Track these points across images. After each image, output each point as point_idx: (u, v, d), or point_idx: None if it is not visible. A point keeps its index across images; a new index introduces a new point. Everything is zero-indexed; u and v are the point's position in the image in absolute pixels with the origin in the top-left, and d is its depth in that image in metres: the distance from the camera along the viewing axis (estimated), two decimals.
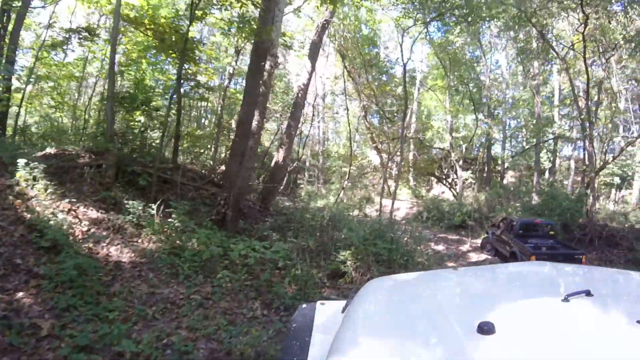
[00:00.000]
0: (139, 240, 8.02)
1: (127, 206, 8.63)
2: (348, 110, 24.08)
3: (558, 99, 26.89)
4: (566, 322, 1.54)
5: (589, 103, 16.77)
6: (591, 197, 16.33)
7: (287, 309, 6.00)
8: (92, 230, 8.16)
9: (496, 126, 29.14)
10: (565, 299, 1.64)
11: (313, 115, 19.98)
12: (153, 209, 8.85)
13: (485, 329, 1.37)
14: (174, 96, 12.13)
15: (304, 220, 9.60)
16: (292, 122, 13.77)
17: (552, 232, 13.24)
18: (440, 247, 16.19)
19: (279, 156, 13.64)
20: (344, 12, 22.47)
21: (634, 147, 21.38)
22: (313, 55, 14.74)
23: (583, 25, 14.76)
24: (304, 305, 2.41)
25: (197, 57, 13.83)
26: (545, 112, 27.38)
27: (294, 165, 18.17)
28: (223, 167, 14.57)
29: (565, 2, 14.91)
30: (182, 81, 12.81)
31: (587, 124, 16.34)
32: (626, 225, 16.16)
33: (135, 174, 10.40)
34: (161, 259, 7.02)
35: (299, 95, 14.14)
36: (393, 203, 12.71)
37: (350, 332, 1.68)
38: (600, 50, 16.85)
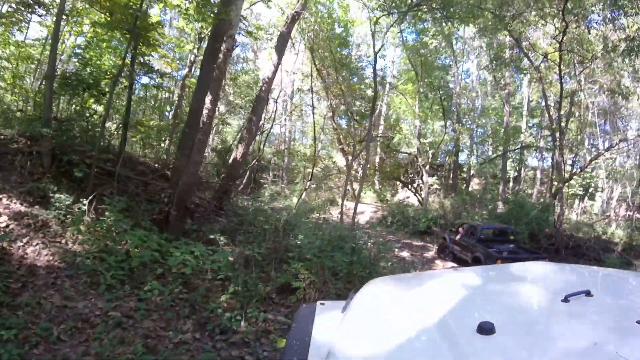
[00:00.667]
0: (63, 241, 6.94)
1: (53, 200, 7.52)
2: (314, 108, 23.21)
3: (527, 110, 26.95)
4: (566, 322, 1.53)
5: (560, 114, 16.55)
6: (559, 207, 16.10)
7: (224, 331, 4.97)
8: (11, 226, 7.10)
9: (463, 134, 28.97)
10: (565, 299, 1.60)
11: (275, 111, 18.70)
12: (85, 204, 7.79)
13: (485, 329, 1.34)
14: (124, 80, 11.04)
15: (256, 222, 8.47)
16: (254, 117, 12.75)
17: (512, 237, 13.42)
18: (405, 254, 15.74)
19: (237, 153, 12.59)
20: (319, 10, 21.79)
21: (598, 160, 21.52)
22: (280, 47, 13.82)
23: (562, 34, 14.46)
24: (304, 305, 2.39)
25: (154, 40, 12.77)
26: (513, 122, 27.41)
27: (254, 162, 16.97)
28: None
29: (545, 10, 14.49)
30: (134, 65, 11.72)
31: (558, 134, 16.09)
32: (592, 236, 16.07)
33: (72, 164, 9.26)
34: (84, 264, 5.95)
35: (263, 88, 13.13)
36: (356, 207, 11.64)
37: (350, 332, 1.69)
38: (576, 61, 16.63)
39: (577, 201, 23.80)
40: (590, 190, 23.44)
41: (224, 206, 11.29)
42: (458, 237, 13.94)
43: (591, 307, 1.62)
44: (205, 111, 6.98)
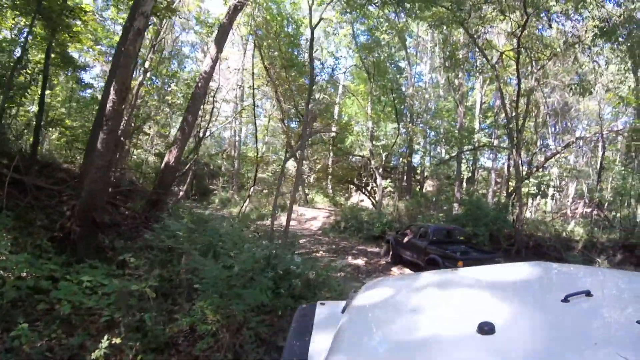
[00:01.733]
0: None
1: None
2: (256, 106, 21.91)
3: (479, 111, 26.87)
4: (566, 322, 1.51)
5: (518, 112, 16.17)
6: (517, 207, 15.70)
7: None
8: None
9: (417, 134, 28.61)
10: (565, 299, 1.58)
11: (212, 109, 16.90)
12: None
13: (486, 329, 1.34)
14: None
15: (169, 241, 6.72)
16: (189, 117, 11.33)
17: (462, 238, 13.36)
18: (360, 262, 14.84)
19: (170, 157, 11.10)
20: (267, 6, 20.81)
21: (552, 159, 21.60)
22: (220, 40, 12.53)
23: (521, 28, 14.01)
24: (304, 306, 2.40)
25: (78, 30, 11.34)
26: (467, 122, 27.28)
27: (188, 167, 15.34)
28: None
29: (505, 2, 13.90)
30: (49, 57, 10.21)
31: (515, 133, 15.67)
32: (552, 234, 15.92)
33: None
34: None
35: (199, 84, 11.72)
36: (289, 217, 9.57)
37: (350, 332, 1.68)
38: (533, 58, 16.28)
39: (530, 200, 23.81)
40: (543, 188, 23.52)
41: (151, 218, 9.85)
42: (406, 239, 13.47)
43: (591, 307, 1.61)
44: (109, 104, 5.66)
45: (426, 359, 1.35)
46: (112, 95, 5.66)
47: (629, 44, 11.90)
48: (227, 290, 4.00)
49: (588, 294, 1.64)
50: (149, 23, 14.72)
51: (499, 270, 2.63)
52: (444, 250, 11.41)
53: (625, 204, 18.77)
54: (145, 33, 16.47)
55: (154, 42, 14.50)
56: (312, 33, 10.77)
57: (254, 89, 20.66)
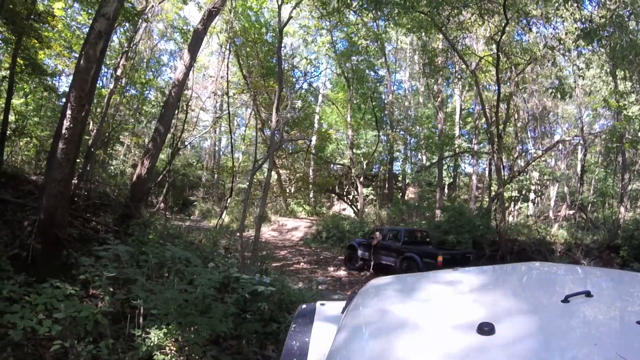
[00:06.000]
0: None
1: None
2: (235, 116, 21.56)
3: (459, 117, 26.92)
4: (566, 323, 1.49)
5: (498, 117, 16.11)
6: (500, 212, 15.58)
7: None
8: None
9: (397, 141, 28.58)
10: (565, 299, 1.55)
11: (186, 118, 16.29)
12: None
13: (486, 329, 1.33)
14: None
15: (140, 258, 6.21)
16: (161, 126, 10.94)
17: (428, 239, 13.98)
18: (341, 273, 14.60)
19: (142, 168, 10.64)
20: (245, 12, 20.61)
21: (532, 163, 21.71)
22: (194, 46, 12.16)
23: (501, 32, 14.01)
24: (304, 306, 2.38)
25: (46, 34, 10.88)
26: (447, 128, 27.30)
27: (160, 178, 14.74)
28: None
29: (484, 6, 13.84)
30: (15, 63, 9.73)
31: (496, 138, 15.59)
32: (536, 238, 15.92)
33: None
34: None
35: (172, 92, 11.35)
36: (258, 234, 8.77)
37: (350, 333, 1.69)
38: (512, 63, 16.30)
39: (512, 204, 23.87)
40: (524, 192, 23.59)
41: (120, 232, 9.38)
42: (375, 242, 13.75)
43: (591, 307, 1.60)
44: (67, 112, 5.26)
45: (426, 359, 1.33)
46: (70, 102, 5.30)
47: (609, 47, 11.90)
48: (183, 318, 3.56)
49: (588, 294, 1.62)
50: (123, 29, 14.34)
51: (499, 270, 2.66)
52: (420, 249, 12.07)
53: (607, 205, 18.87)
54: (118, 39, 16.06)
55: (126, 49, 14.02)
56: (281, 33, 10.48)
57: (228, 97, 20.23)
